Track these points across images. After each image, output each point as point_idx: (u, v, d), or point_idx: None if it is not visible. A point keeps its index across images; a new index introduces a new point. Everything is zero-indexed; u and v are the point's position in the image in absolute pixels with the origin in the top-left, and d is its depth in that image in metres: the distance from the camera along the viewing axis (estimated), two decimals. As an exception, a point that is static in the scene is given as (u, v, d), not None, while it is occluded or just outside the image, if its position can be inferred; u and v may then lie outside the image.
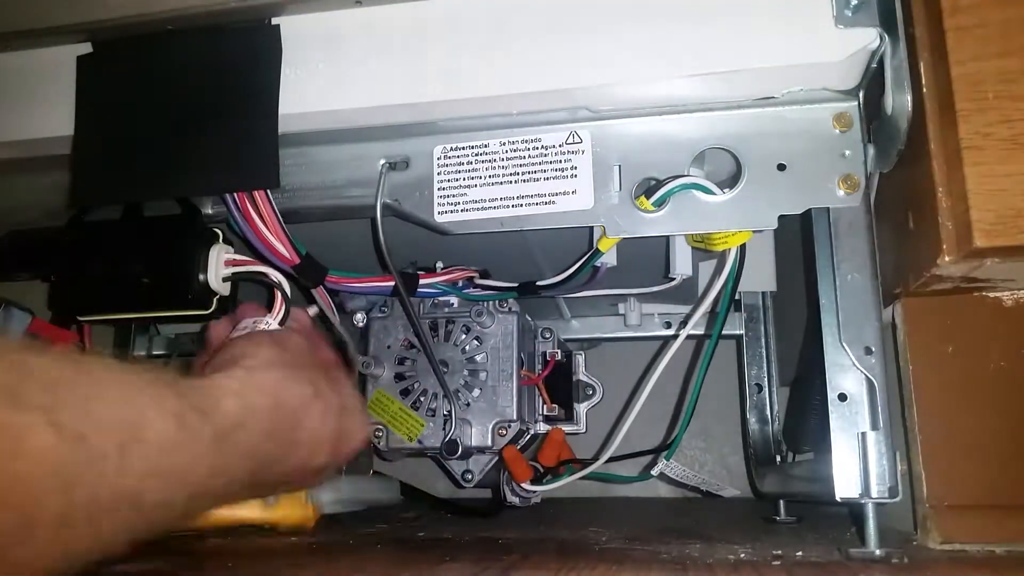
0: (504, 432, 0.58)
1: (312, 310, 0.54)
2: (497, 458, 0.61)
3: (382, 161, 0.51)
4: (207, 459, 0.33)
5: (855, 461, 0.43)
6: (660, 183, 0.47)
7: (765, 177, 0.46)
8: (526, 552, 0.49)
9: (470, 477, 0.62)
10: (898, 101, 0.42)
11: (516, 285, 0.57)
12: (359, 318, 0.62)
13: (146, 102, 0.50)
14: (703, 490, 0.73)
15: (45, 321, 0.57)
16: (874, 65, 0.44)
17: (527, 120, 0.49)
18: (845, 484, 0.43)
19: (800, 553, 0.46)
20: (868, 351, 0.44)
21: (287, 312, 0.47)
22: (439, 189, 0.50)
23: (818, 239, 0.46)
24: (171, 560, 0.49)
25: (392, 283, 0.52)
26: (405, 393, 0.61)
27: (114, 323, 0.75)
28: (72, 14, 0.48)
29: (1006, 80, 0.39)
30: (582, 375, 0.67)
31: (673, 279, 0.54)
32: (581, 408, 0.66)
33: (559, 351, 0.65)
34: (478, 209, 0.50)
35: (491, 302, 0.60)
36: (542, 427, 0.63)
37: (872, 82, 0.45)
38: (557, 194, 0.49)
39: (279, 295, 0.47)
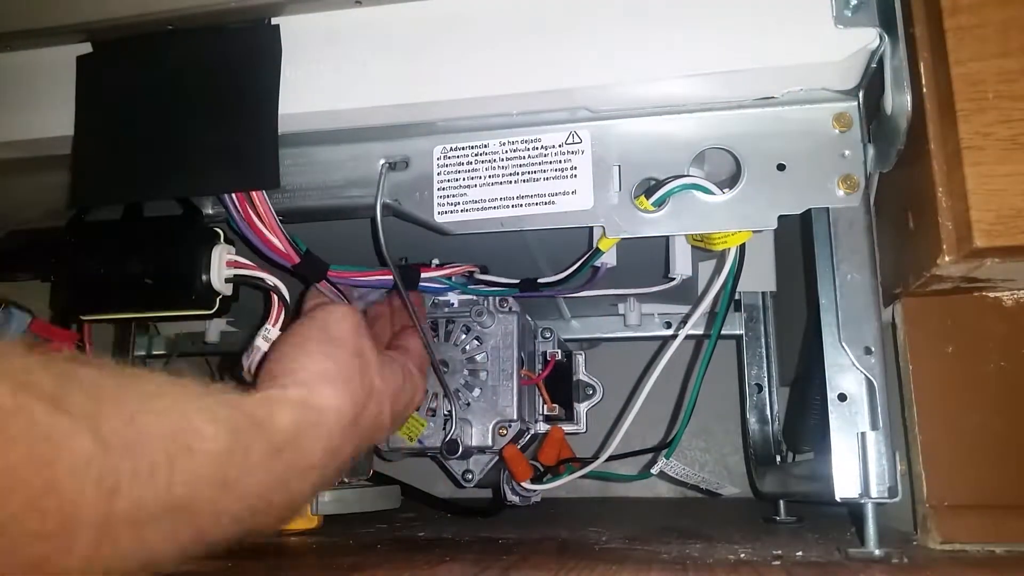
0: (504, 432, 0.58)
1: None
2: (497, 458, 0.61)
3: (382, 161, 0.51)
4: (263, 471, 0.33)
5: (855, 461, 0.43)
6: (660, 183, 0.47)
7: (765, 177, 0.46)
8: (526, 552, 0.49)
9: (470, 477, 0.62)
10: (898, 101, 0.42)
11: (518, 282, 0.56)
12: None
13: (146, 102, 0.50)
14: (703, 489, 0.73)
15: (45, 321, 0.57)
16: (874, 65, 0.44)
17: (527, 120, 0.49)
18: (845, 484, 0.43)
19: (800, 553, 0.46)
20: (868, 351, 0.44)
21: (287, 318, 0.47)
22: (439, 189, 0.50)
23: (818, 239, 0.46)
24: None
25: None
26: (405, 393, 0.61)
27: (115, 323, 0.75)
28: (72, 14, 0.48)
29: (1006, 80, 0.39)
30: (582, 375, 0.67)
31: (673, 279, 0.54)
32: (581, 408, 0.66)
33: (559, 351, 0.65)
34: (478, 209, 0.50)
35: (491, 302, 0.60)
36: (542, 427, 0.63)
37: (872, 82, 0.45)
38: (557, 194, 0.49)
39: (276, 300, 0.47)
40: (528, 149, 0.50)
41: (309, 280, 0.51)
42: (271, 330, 0.47)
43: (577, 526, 0.66)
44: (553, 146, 0.49)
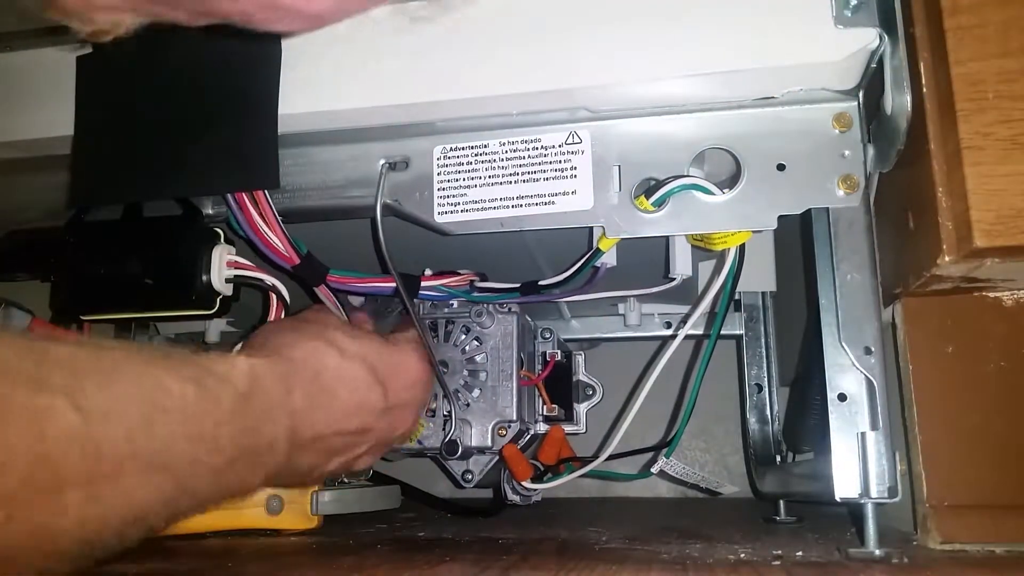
0: (504, 432, 0.58)
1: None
2: (497, 458, 0.61)
3: (382, 161, 0.51)
4: (235, 418, 0.35)
5: (855, 461, 0.43)
6: (660, 183, 0.47)
7: (765, 177, 0.46)
8: (526, 552, 0.49)
9: (470, 477, 0.62)
10: (898, 101, 0.42)
11: (518, 286, 0.57)
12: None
13: (146, 102, 0.50)
14: (703, 488, 0.73)
15: (45, 321, 0.57)
16: (874, 65, 0.44)
17: (527, 120, 0.49)
18: (845, 484, 0.43)
19: (800, 553, 0.46)
20: (868, 351, 0.44)
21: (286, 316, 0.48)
22: (439, 189, 0.50)
23: (818, 239, 0.46)
24: (170, 560, 0.49)
25: (394, 284, 0.52)
26: (405, 393, 0.61)
27: (115, 323, 0.75)
28: (72, 14, 0.48)
29: (1006, 80, 0.39)
30: (582, 375, 0.67)
31: (673, 279, 0.54)
32: (581, 408, 0.66)
33: (559, 351, 0.65)
34: (478, 209, 0.50)
35: (491, 303, 0.60)
36: (542, 427, 0.63)
37: (872, 82, 0.45)
38: (557, 194, 0.49)
39: (275, 299, 0.48)
40: (528, 149, 0.50)
41: (308, 283, 0.51)
42: None
43: (577, 526, 0.66)
44: (553, 146, 0.49)
